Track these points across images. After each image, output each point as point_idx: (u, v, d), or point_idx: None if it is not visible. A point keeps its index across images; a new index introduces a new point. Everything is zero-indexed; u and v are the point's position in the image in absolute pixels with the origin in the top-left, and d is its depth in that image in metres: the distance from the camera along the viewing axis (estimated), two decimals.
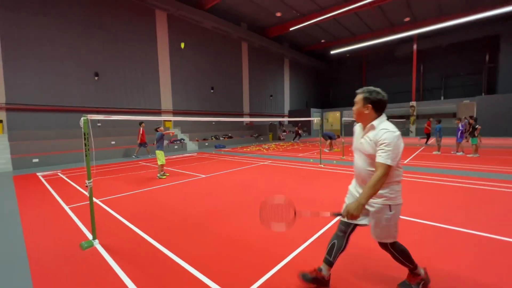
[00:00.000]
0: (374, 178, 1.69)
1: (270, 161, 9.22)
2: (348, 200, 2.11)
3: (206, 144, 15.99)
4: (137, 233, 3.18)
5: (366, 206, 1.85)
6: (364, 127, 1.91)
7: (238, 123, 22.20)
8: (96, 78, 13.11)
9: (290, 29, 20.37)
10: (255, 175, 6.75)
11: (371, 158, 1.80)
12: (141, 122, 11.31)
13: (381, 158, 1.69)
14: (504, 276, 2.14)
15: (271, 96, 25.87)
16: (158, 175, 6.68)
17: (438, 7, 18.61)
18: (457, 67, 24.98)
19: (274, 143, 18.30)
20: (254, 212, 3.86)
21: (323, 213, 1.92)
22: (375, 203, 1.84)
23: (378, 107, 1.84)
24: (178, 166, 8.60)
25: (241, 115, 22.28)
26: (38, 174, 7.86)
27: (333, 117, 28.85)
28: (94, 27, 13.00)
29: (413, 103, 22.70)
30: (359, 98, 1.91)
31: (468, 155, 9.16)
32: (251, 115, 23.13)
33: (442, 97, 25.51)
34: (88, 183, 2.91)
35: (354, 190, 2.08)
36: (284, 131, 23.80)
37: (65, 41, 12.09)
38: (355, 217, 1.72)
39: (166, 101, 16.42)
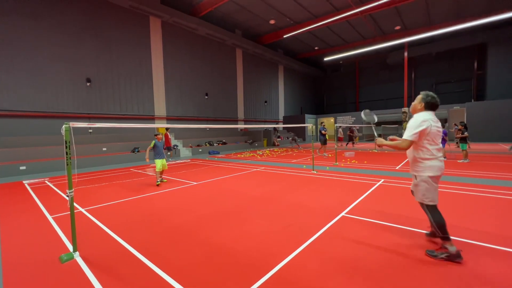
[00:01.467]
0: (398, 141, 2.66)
1: (263, 168, 9.16)
2: None
3: (200, 150, 15.87)
4: (121, 244, 3.08)
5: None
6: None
7: (233, 129, 22.16)
8: (88, 84, 12.98)
9: (284, 36, 20.63)
10: (247, 182, 6.68)
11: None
12: (167, 128, 12.49)
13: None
14: None
15: (266, 102, 25.98)
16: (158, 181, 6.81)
17: (428, 16, 19.13)
18: (447, 74, 25.57)
19: (268, 149, 18.28)
20: (244, 219, 3.78)
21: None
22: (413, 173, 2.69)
23: (428, 106, 2.67)
24: (169, 173, 8.47)
25: (235, 121, 22.27)
26: (24, 182, 7.65)
27: (327, 123, 29.06)
28: (87, 32, 12.94)
29: (405, 109, 23.04)
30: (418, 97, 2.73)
31: (458, 161, 9.26)
32: (245, 121, 23.13)
33: None
34: (69, 192, 2.81)
35: None
36: (279, 137, 23.83)
37: (57, 46, 11.98)
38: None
39: (160, 107, 16.32)
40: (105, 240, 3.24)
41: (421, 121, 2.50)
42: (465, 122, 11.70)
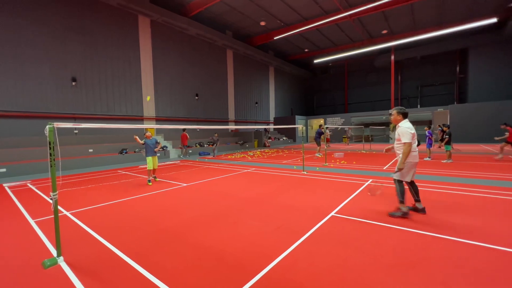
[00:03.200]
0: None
1: (254, 169, 9.17)
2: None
3: (190, 151, 15.70)
4: (108, 248, 3.00)
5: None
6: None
7: (223, 130, 22.06)
8: (73, 83, 12.58)
9: (275, 38, 20.77)
10: (238, 183, 6.66)
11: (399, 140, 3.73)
12: (184, 129, 13.20)
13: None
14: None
15: (257, 103, 26.03)
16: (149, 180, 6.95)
17: (413, 21, 19.77)
18: (431, 77, 26.50)
19: (259, 150, 18.31)
20: (234, 221, 3.77)
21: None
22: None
23: (404, 116, 3.82)
24: (159, 175, 8.33)
25: (226, 122, 22.18)
26: (4, 185, 7.32)
27: (317, 124, 29.44)
28: (73, 31, 12.55)
29: (392, 110, 23.66)
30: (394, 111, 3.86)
31: (442, 161, 9.60)
32: (236, 122, 23.08)
33: (418, 105, 26.85)
34: (53, 195, 2.71)
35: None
36: (270, 137, 23.92)
37: (40, 44, 11.55)
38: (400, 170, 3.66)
39: (149, 108, 16.03)
40: (91, 244, 3.15)
41: (410, 127, 3.63)
42: (449, 124, 12.15)
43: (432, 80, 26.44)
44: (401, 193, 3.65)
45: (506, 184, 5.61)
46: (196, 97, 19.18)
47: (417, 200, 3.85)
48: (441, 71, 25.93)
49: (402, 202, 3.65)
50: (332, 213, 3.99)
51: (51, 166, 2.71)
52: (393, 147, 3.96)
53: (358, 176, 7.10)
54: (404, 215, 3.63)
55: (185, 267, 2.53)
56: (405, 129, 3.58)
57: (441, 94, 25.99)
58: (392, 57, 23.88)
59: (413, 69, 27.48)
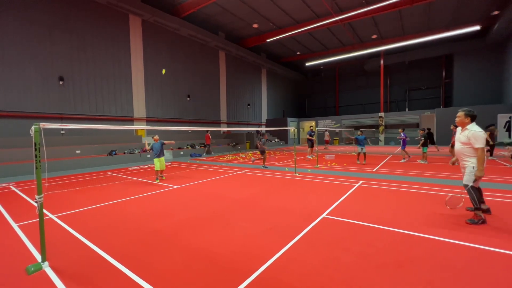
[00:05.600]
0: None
1: (246, 170, 9.15)
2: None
3: (181, 153, 15.53)
4: (96, 252, 2.92)
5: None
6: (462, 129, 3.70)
7: (215, 131, 21.95)
8: (61, 82, 12.25)
9: (267, 40, 20.89)
10: (229, 185, 6.63)
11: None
12: (207, 130, 14.71)
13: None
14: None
15: (249, 105, 26.06)
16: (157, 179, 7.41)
17: (401, 27, 20.35)
18: (418, 82, 27.34)
19: (251, 152, 18.30)
20: (225, 223, 3.75)
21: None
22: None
23: (473, 119, 3.59)
24: (149, 177, 8.19)
25: (218, 123, 22.09)
26: None
27: (309, 126, 29.76)
28: (59, 28, 12.22)
29: (381, 113, 24.20)
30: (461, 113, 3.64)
31: (418, 161, 10.05)
32: (228, 124, 23.02)
33: (407, 109, 27.58)
34: (38, 198, 2.62)
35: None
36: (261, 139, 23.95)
37: (26, 43, 11.19)
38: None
39: (140, 109, 15.77)
40: (77, 248, 3.05)
41: (482, 131, 3.43)
42: (429, 127, 12.63)
43: (420, 84, 27.27)
44: (478, 200, 3.47)
45: (447, 182, 5.83)
46: (188, 98, 19.02)
47: (482, 201, 3.70)
48: (428, 76, 26.78)
49: (479, 208, 3.50)
50: (324, 215, 4.03)
51: (36, 168, 2.62)
52: (456, 158, 3.81)
53: (349, 178, 7.21)
54: (484, 222, 3.49)
55: (175, 269, 2.50)
56: (479, 133, 3.39)
57: (428, 98, 26.81)
58: (382, 62, 24.47)
59: (401, 73, 28.27)
